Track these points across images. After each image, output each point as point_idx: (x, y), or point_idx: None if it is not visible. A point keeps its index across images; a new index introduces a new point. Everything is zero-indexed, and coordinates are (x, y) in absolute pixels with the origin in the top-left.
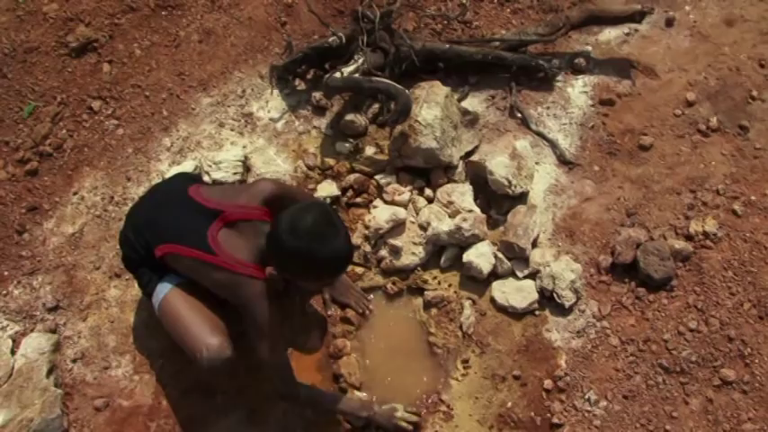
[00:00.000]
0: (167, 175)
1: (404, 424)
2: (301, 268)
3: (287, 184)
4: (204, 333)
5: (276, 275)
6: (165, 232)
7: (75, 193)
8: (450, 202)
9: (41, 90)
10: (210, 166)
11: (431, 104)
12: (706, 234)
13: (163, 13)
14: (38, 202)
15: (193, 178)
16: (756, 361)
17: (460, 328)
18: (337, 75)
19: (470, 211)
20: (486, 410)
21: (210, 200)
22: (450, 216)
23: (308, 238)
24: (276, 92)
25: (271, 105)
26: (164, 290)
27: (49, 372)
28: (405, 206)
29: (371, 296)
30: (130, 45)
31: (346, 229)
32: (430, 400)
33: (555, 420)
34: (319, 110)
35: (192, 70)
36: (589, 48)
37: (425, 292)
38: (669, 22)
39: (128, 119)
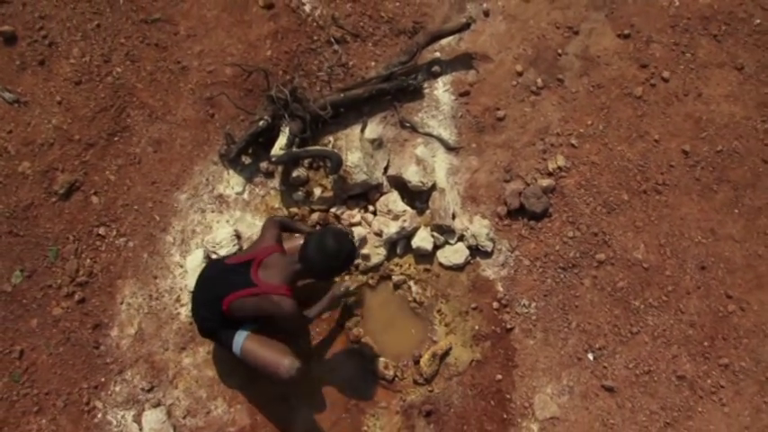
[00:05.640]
0: (189, 257)
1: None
2: (331, 271)
3: (275, 218)
4: (277, 357)
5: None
6: (223, 291)
7: (121, 303)
8: (389, 210)
9: (54, 235)
10: (214, 247)
11: (352, 150)
12: (560, 168)
13: (115, 138)
14: (98, 320)
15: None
16: (614, 242)
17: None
18: (279, 152)
19: (404, 211)
20: (464, 336)
21: (240, 257)
22: (392, 220)
23: (334, 254)
24: (232, 171)
25: (232, 183)
26: (240, 339)
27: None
28: (360, 224)
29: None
30: (104, 174)
31: (349, 237)
32: (427, 343)
33: (508, 326)
34: (269, 174)
35: (161, 176)
36: (438, 54)
37: (393, 276)
38: (486, 13)
39: (131, 232)
